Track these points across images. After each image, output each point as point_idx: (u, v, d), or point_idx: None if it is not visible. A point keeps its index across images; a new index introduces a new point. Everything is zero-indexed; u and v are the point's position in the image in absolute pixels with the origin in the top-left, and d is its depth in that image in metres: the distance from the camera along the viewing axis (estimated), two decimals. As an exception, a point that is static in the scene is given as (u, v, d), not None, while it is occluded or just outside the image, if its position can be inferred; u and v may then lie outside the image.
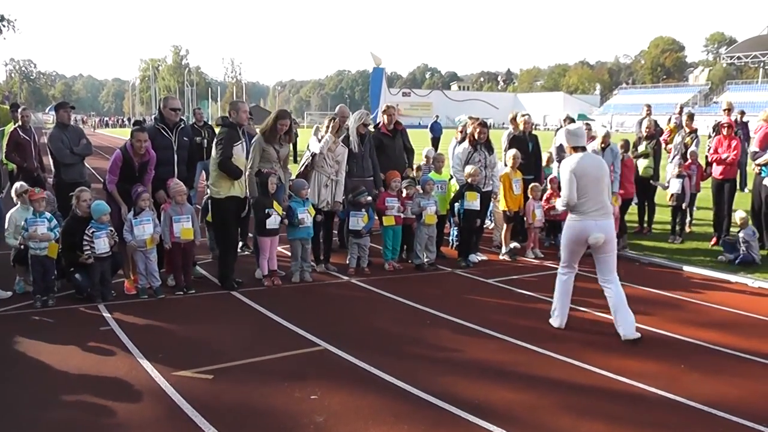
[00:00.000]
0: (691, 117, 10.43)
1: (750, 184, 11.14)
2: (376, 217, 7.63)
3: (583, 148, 5.46)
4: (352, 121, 7.54)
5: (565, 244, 5.52)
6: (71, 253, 6.05)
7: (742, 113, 15.08)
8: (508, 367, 4.69)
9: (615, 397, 4.24)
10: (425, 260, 7.74)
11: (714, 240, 9.01)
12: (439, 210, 7.84)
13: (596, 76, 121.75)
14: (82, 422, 3.77)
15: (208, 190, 7.07)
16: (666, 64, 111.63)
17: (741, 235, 7.90)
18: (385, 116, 8.18)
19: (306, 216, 6.85)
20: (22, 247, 6.07)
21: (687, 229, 9.82)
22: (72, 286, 6.21)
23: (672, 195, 9.35)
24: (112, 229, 6.12)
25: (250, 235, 7.69)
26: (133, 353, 4.81)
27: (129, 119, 76.82)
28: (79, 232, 5.99)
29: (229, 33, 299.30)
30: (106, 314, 5.73)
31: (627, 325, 5.23)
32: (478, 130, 7.98)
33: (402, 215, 7.60)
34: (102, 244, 5.99)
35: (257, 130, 7.28)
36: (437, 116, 28.38)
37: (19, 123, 8.99)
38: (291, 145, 8.20)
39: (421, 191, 7.78)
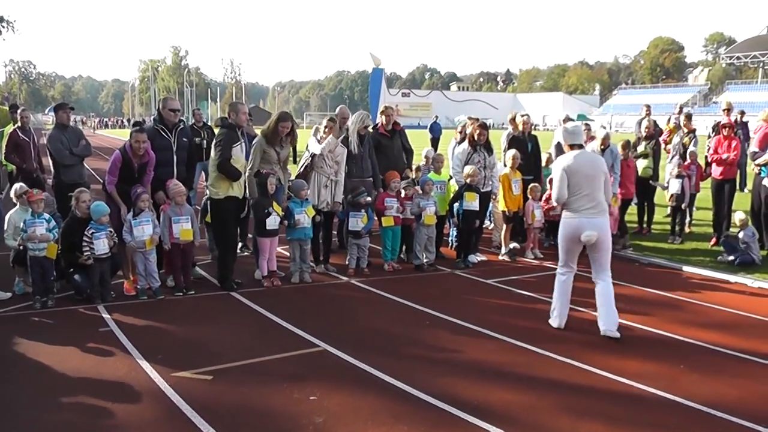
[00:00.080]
0: (689, 117, 10.45)
1: (750, 185, 11.13)
2: (376, 218, 7.63)
3: (580, 146, 5.46)
4: (352, 123, 7.54)
5: (561, 242, 5.53)
6: (71, 254, 6.05)
7: (742, 113, 15.07)
8: (508, 367, 4.69)
9: (614, 397, 4.23)
10: (424, 261, 7.74)
11: (714, 240, 9.01)
12: (438, 210, 7.83)
13: (596, 77, 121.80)
14: (82, 423, 3.77)
15: (208, 191, 7.07)
16: (665, 65, 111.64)
17: (740, 236, 7.90)
18: (383, 117, 8.19)
19: (303, 217, 6.84)
20: (21, 248, 6.08)
21: (686, 230, 9.81)
22: (71, 287, 6.21)
23: (671, 195, 9.35)
24: (112, 230, 6.12)
25: (250, 235, 7.69)
26: (133, 354, 4.81)
27: (128, 120, 76.73)
28: (79, 233, 5.99)
29: (229, 34, 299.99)
30: (106, 315, 5.73)
31: (609, 320, 5.25)
32: (478, 131, 7.96)
33: (401, 216, 7.60)
34: (101, 245, 5.99)
35: (257, 131, 7.28)
36: (436, 117, 28.31)
37: (19, 124, 9.01)
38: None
39: (421, 192, 7.78)
